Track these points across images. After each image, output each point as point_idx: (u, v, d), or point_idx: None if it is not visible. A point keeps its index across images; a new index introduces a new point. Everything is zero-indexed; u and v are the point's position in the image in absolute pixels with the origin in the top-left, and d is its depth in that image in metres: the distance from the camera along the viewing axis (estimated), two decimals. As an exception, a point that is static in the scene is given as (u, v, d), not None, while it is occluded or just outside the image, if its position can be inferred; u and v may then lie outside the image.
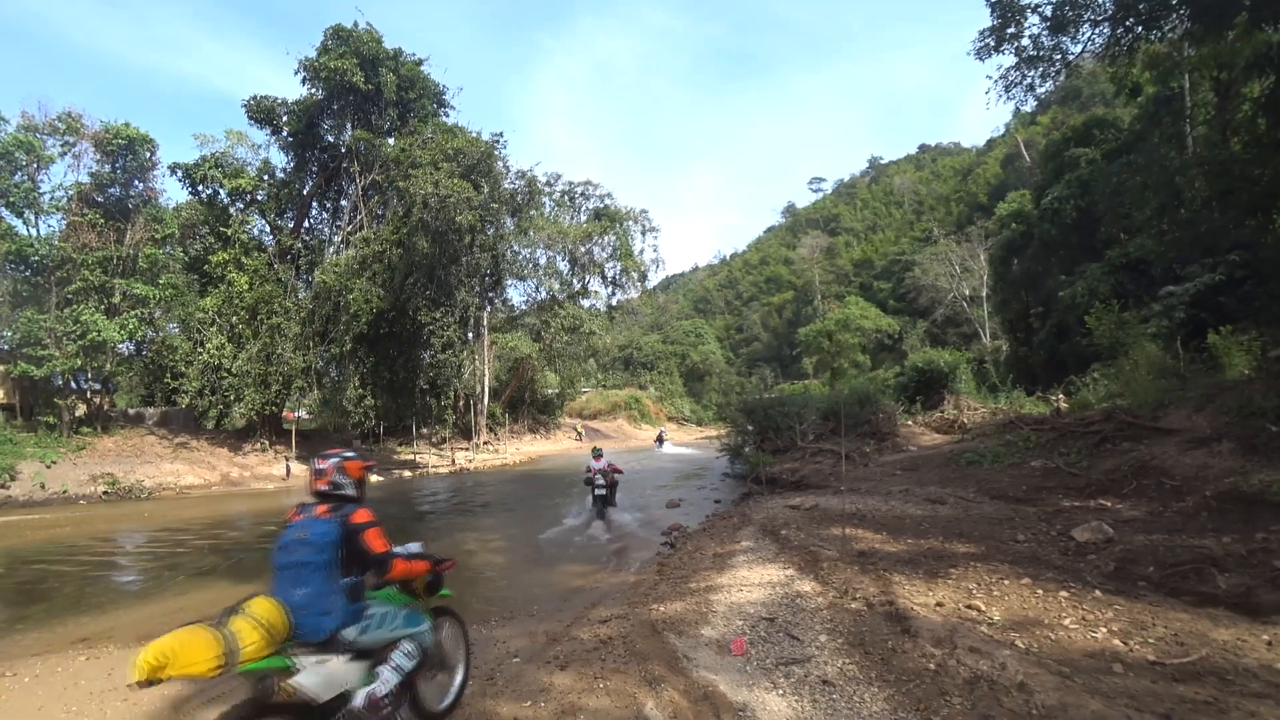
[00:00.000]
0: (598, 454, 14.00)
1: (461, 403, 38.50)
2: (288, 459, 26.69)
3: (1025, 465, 11.14)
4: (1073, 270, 25.57)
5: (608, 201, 43.76)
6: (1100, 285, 21.33)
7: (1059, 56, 14.02)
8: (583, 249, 42.14)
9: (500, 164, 30.42)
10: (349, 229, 29.68)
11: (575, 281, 43.34)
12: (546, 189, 40.92)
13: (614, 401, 57.69)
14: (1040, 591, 5.33)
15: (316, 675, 2.89)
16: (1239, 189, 15.45)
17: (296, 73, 28.23)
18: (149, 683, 2.53)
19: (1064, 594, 5.23)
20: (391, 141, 29.82)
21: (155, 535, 14.15)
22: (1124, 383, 13.42)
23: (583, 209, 44.14)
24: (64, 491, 19.93)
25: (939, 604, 5.23)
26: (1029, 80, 14.54)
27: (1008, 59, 14.47)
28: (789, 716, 3.80)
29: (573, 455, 36.45)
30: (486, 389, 38.36)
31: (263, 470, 25.70)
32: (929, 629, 4.63)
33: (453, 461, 31.59)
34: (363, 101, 28.96)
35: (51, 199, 23.46)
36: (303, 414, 31.87)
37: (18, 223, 23.22)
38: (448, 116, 32.47)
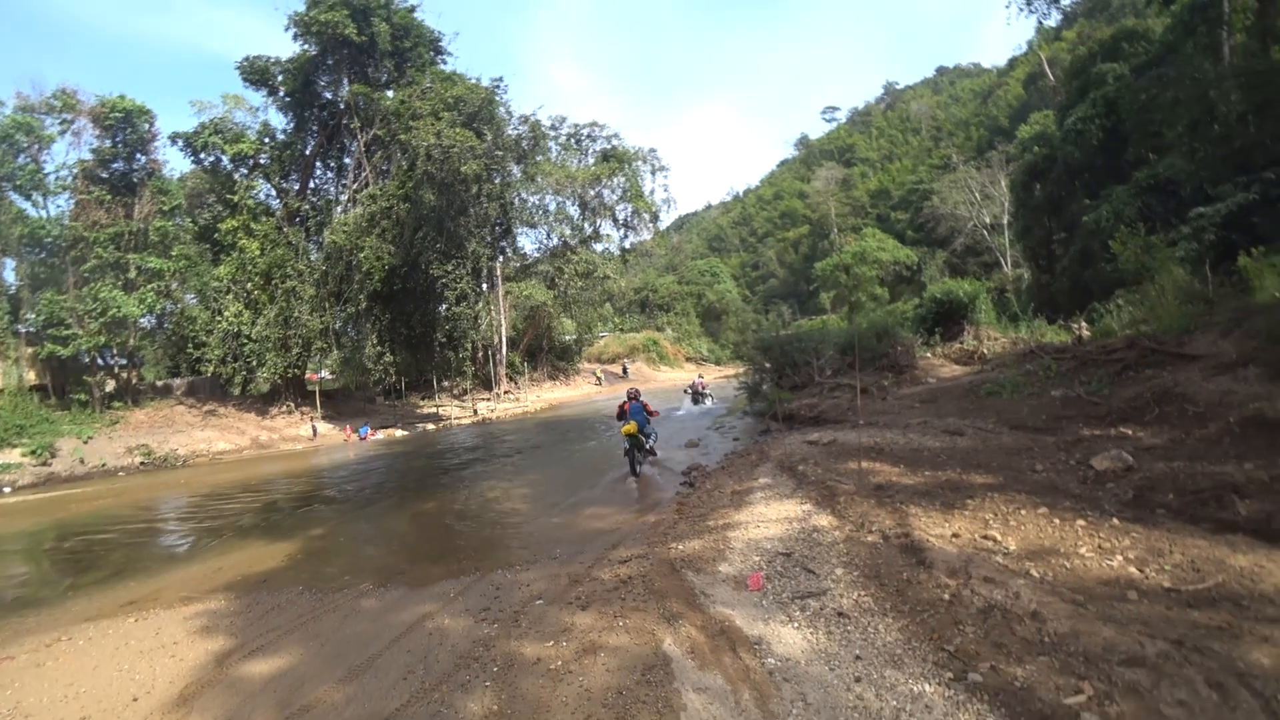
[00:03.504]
0: (700, 378, 27.88)
1: (480, 354, 38.81)
2: (313, 419, 27.28)
3: (1045, 395, 11.01)
4: (1098, 194, 24.69)
5: (615, 142, 42.81)
6: (1126, 208, 20.58)
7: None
8: (592, 192, 41.49)
9: (502, 110, 29.78)
10: (355, 187, 29.45)
11: (586, 226, 42.87)
12: (551, 133, 40.07)
13: (632, 345, 57.55)
14: (1057, 521, 5.32)
15: (644, 437, 12.05)
16: (1279, 100, 14.64)
17: (287, 29, 27.65)
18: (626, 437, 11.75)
19: (1081, 523, 5.22)
20: (390, 94, 29.24)
21: (193, 501, 14.67)
22: (1149, 309, 13.05)
23: (590, 151, 43.26)
24: (103, 465, 20.66)
25: (955, 535, 5.28)
26: (1052, -10, 13.66)
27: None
28: (804, 648, 3.90)
29: (593, 400, 36.77)
30: (504, 339, 38.56)
31: (290, 432, 26.35)
32: (944, 560, 4.68)
33: (475, 412, 32.03)
34: (357, 54, 28.31)
35: (56, 179, 23.56)
36: (325, 374, 32.35)
37: (27, 205, 23.42)
38: (445, 64, 31.69)
